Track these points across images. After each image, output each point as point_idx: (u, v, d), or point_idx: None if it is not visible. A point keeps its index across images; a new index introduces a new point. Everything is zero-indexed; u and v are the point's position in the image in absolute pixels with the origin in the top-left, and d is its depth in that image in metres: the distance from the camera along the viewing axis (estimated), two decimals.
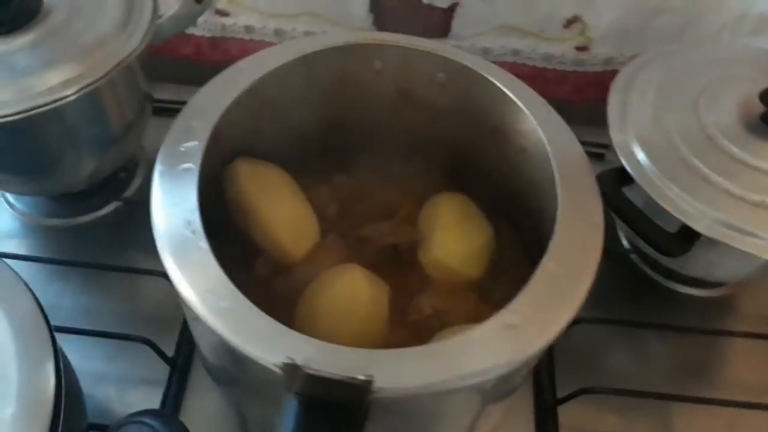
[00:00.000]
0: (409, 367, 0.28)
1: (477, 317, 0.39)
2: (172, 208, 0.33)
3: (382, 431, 0.31)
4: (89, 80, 0.42)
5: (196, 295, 0.30)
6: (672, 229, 0.43)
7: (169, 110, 0.55)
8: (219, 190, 0.41)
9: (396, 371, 0.28)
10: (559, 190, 0.36)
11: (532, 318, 0.31)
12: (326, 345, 0.29)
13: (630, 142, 0.45)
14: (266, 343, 0.28)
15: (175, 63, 0.62)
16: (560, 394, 0.48)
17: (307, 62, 0.41)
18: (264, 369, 0.28)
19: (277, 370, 0.27)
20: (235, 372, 0.34)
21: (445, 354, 0.29)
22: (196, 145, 0.36)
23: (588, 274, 0.33)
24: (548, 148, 0.38)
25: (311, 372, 0.27)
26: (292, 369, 0.27)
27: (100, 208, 0.56)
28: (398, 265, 0.44)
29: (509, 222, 0.45)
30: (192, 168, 0.34)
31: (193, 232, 0.32)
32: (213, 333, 0.29)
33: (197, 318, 0.30)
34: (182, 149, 0.35)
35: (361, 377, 0.26)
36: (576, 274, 0.32)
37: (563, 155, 0.38)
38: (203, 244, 0.31)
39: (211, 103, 0.38)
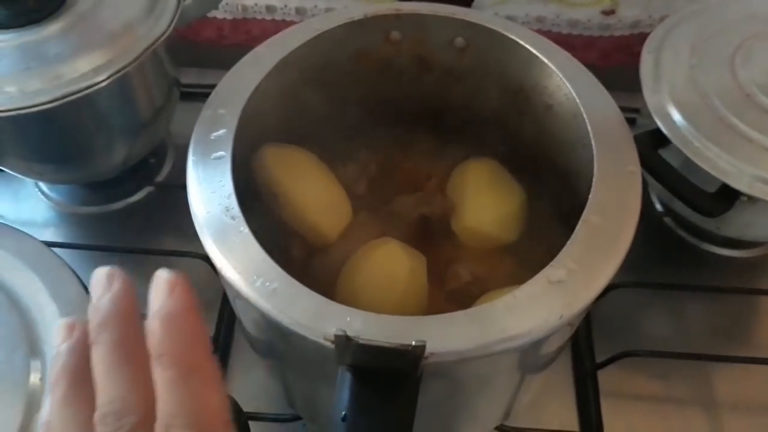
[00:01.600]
0: (459, 330, 0.28)
1: (516, 281, 0.40)
2: (210, 196, 0.33)
3: (430, 400, 0.31)
4: (120, 65, 0.43)
5: (242, 279, 0.30)
6: (710, 189, 0.43)
7: (194, 94, 0.56)
8: (249, 175, 0.42)
9: (447, 335, 0.28)
10: (593, 142, 0.35)
11: (578, 272, 0.30)
12: (374, 315, 0.29)
13: (665, 103, 0.45)
14: (316, 319, 0.29)
15: (198, 47, 0.62)
16: (599, 359, 0.48)
17: (325, 40, 0.41)
18: (315, 344, 0.28)
19: (328, 344, 0.27)
20: (284, 348, 0.35)
21: (493, 315, 0.29)
22: (225, 133, 0.36)
23: (630, 223, 0.32)
24: (578, 100, 0.38)
25: (364, 342, 0.27)
26: (344, 341, 0.27)
27: (132, 194, 0.57)
28: (432, 235, 0.44)
29: (541, 182, 0.45)
30: (224, 156, 0.35)
31: (233, 217, 0.32)
32: (262, 314, 0.29)
33: (245, 300, 0.30)
34: (213, 138, 0.36)
35: (414, 343, 0.26)
36: (618, 225, 0.32)
37: (593, 106, 0.37)
38: (244, 228, 0.32)
39: (235, 89, 0.38)
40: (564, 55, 0.40)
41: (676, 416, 0.47)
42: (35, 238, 0.42)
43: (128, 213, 0.57)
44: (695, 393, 0.48)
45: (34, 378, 0.36)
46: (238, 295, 0.30)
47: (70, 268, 0.40)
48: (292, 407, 0.45)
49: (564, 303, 0.30)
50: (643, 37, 0.49)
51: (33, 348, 0.37)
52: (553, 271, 0.30)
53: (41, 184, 0.58)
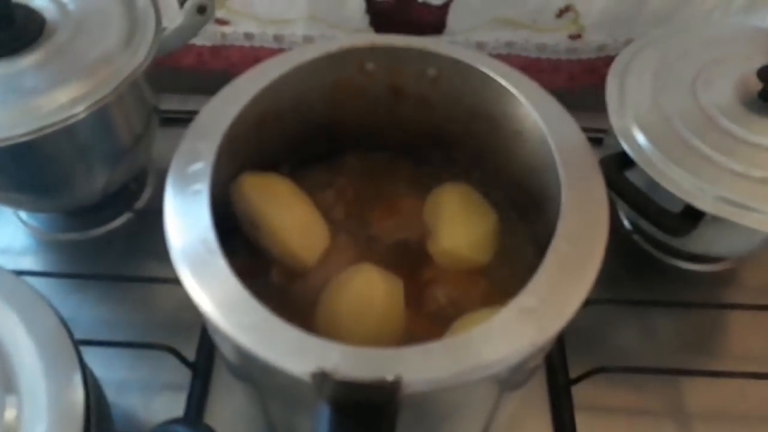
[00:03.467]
0: (434, 361, 0.29)
1: (491, 301, 0.41)
2: (187, 230, 0.34)
3: (409, 427, 0.32)
4: (97, 97, 0.43)
5: (220, 314, 0.31)
6: (675, 209, 0.44)
7: (175, 120, 0.57)
8: (227, 203, 0.42)
9: (422, 367, 0.29)
10: (560, 170, 0.37)
11: (549, 299, 0.32)
12: (352, 349, 0.29)
13: (630, 126, 0.46)
14: (294, 353, 0.29)
15: (179, 73, 0.63)
16: (572, 375, 0.49)
17: (302, 71, 0.42)
18: (294, 379, 0.29)
19: (307, 379, 0.28)
20: (263, 381, 0.35)
21: (467, 344, 0.30)
22: (203, 167, 0.36)
23: (598, 250, 0.33)
24: (544, 129, 0.39)
25: (341, 378, 0.27)
26: (321, 377, 0.27)
27: (112, 220, 0.57)
28: (409, 259, 0.45)
29: (512, 206, 0.46)
30: (202, 189, 0.35)
31: (211, 252, 0.33)
32: (240, 349, 0.30)
33: (223, 335, 0.30)
34: (190, 171, 0.36)
35: (390, 378, 0.27)
36: (586, 252, 0.33)
37: (560, 134, 0.38)
38: (222, 262, 0.32)
39: (213, 122, 0.38)
40: (532, 84, 0.41)
41: (649, 429, 0.49)
42: (9, 271, 0.42)
43: (108, 239, 0.57)
44: (667, 405, 0.50)
45: (10, 415, 0.34)
46: (216, 330, 0.31)
47: (46, 301, 0.40)
48: None
49: (536, 330, 0.31)
50: (608, 60, 0.51)
51: (8, 384, 0.35)
52: (524, 299, 0.31)
53: (20, 212, 0.58)
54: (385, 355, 0.29)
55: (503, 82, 0.41)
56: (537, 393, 0.49)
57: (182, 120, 0.57)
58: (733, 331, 0.54)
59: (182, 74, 0.63)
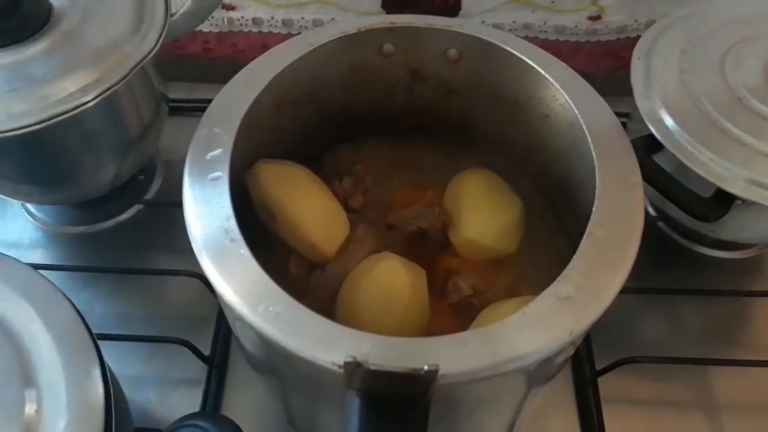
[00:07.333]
0: (469, 351, 0.28)
1: (516, 292, 0.40)
2: (208, 217, 0.33)
3: (438, 420, 0.31)
4: (108, 85, 0.42)
5: (244, 303, 0.30)
6: (704, 194, 0.43)
7: (183, 109, 0.56)
8: (244, 192, 0.41)
9: (457, 356, 0.28)
10: (593, 153, 0.35)
11: (586, 287, 0.30)
12: (383, 338, 0.28)
13: (657, 108, 0.45)
14: (324, 343, 0.28)
15: (184, 61, 0.62)
16: (598, 366, 0.48)
17: (318, 54, 0.41)
18: (323, 369, 0.28)
19: (337, 369, 0.27)
20: (287, 370, 0.34)
21: (502, 334, 0.29)
22: (221, 153, 0.35)
23: (635, 235, 0.32)
24: (575, 111, 0.38)
25: (374, 368, 0.26)
26: (353, 367, 0.26)
27: (122, 212, 0.56)
28: (431, 248, 0.44)
29: (537, 193, 0.45)
30: (221, 176, 0.34)
31: (233, 240, 0.32)
32: (265, 338, 0.29)
33: (247, 325, 0.29)
34: (208, 158, 0.35)
35: (426, 367, 0.26)
36: (623, 237, 0.32)
37: (591, 116, 0.37)
38: (244, 251, 0.31)
39: (230, 107, 0.37)
40: (559, 65, 0.40)
41: (677, 420, 0.48)
42: (26, 264, 0.41)
43: (118, 232, 0.56)
44: (695, 396, 0.48)
45: (29, 409, 0.34)
46: (240, 319, 0.30)
47: (63, 294, 0.39)
48: (293, 426, 0.45)
49: (573, 319, 0.29)
50: (629, 42, 0.50)
51: (27, 378, 0.35)
52: (560, 287, 0.30)
53: (28, 205, 0.57)
54: (418, 344, 0.28)
55: (530, 62, 0.39)
56: (563, 385, 0.48)
57: (188, 109, 0.57)
58: (762, 319, 0.52)
59: (187, 62, 0.62)
